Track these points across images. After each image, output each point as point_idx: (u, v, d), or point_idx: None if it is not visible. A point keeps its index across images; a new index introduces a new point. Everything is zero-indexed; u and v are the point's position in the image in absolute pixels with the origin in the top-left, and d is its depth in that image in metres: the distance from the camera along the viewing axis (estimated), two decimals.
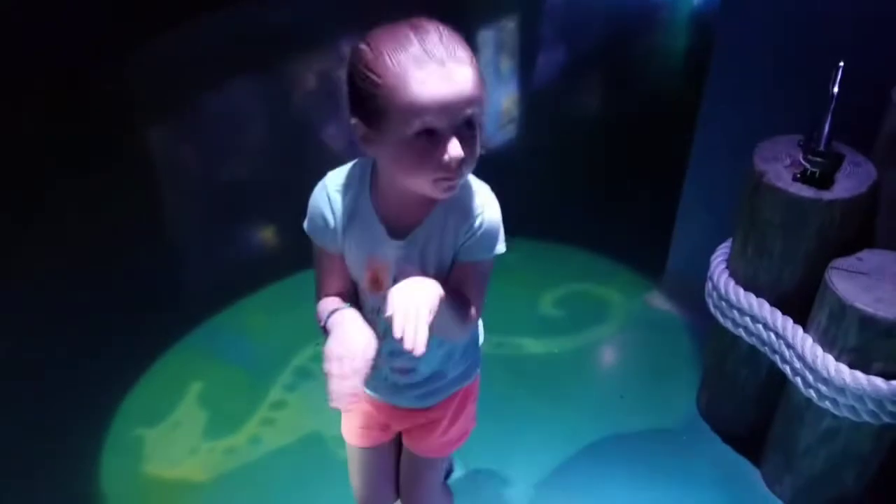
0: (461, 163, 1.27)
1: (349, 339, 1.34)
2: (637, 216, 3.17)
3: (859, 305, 1.82)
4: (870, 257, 1.95)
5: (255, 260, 3.28)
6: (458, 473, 2.29)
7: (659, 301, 2.88)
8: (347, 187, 1.42)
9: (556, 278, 2.99)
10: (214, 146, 4.02)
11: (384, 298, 1.32)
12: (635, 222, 3.14)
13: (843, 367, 1.88)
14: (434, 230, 1.40)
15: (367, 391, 1.66)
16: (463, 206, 1.39)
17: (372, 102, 1.26)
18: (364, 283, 1.48)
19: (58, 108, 4.17)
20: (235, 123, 4.19)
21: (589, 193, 3.42)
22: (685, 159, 2.66)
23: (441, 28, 1.26)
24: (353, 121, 1.31)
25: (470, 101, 1.25)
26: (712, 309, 2.22)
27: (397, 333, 1.20)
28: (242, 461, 2.36)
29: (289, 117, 4.38)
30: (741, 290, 2.12)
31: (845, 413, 1.92)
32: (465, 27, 1.30)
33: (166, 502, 2.26)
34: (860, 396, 1.87)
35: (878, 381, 1.85)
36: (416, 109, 1.22)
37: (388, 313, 1.22)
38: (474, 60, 1.26)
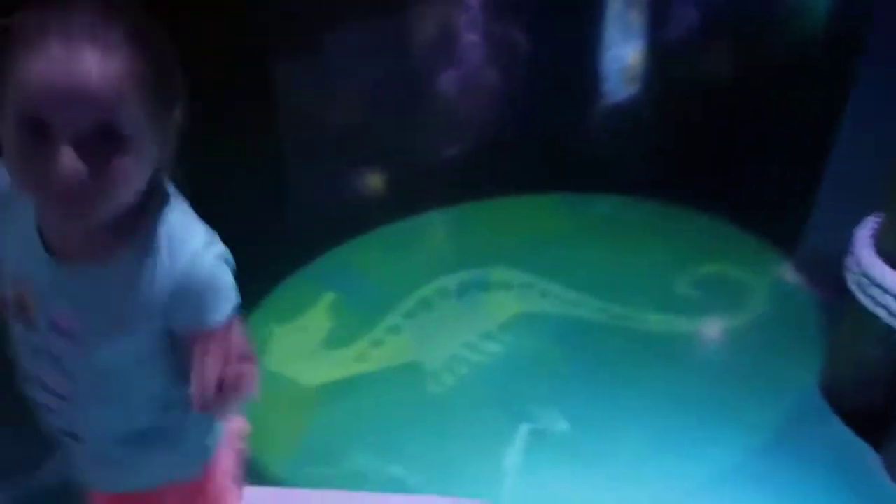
0: (80, 184, 0.91)
1: None
2: (772, 183, 3.06)
3: None
4: None
5: (363, 202, 3.37)
6: (565, 428, 2.29)
7: (789, 273, 2.79)
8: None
9: (681, 245, 2.91)
10: (331, 89, 4.06)
11: (33, 333, 1.06)
12: (769, 190, 3.03)
13: None
14: (120, 280, 1.03)
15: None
16: (168, 254, 1.03)
17: None
18: (9, 303, 1.11)
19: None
20: (351, 68, 4.23)
21: (720, 157, 3.31)
22: (830, 126, 2.54)
23: None
24: None
25: (101, 100, 0.90)
26: (850, 285, 2.13)
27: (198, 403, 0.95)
28: (345, 374, 2.51)
29: (403, 63, 4.39)
30: (886, 268, 2.01)
31: None
32: None
33: (273, 395, 2.39)
34: None
35: None
36: (23, 89, 0.90)
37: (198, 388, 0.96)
38: (140, 47, 0.93)
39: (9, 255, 1.08)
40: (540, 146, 3.46)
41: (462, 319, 2.64)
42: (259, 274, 2.77)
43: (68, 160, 0.90)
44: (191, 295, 1.05)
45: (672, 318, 2.64)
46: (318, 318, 2.69)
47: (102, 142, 0.92)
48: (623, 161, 3.38)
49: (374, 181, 3.53)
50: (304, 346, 2.60)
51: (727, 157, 3.30)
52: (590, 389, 2.40)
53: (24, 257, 1.06)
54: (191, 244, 1.05)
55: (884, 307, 2.04)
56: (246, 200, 3.10)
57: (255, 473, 2.16)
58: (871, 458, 2.21)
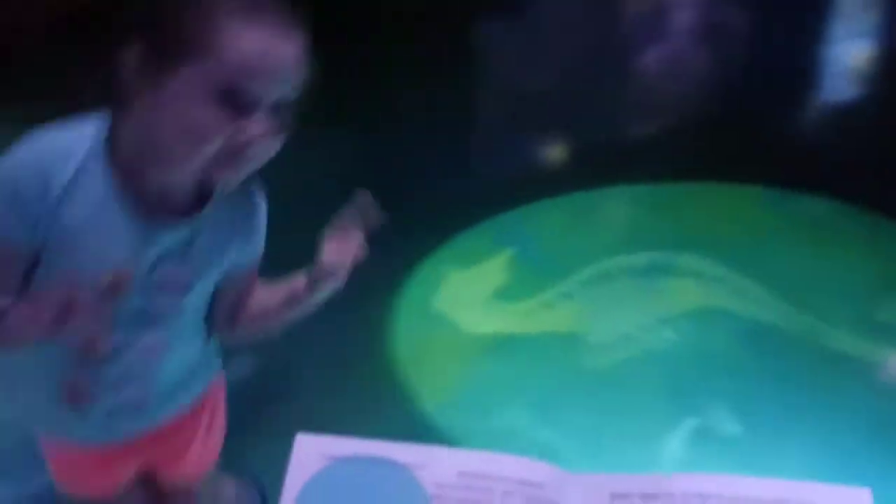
0: (258, 150, 1.05)
1: None
2: None
3: None
4: None
5: (554, 167, 3.35)
6: (734, 430, 2.18)
7: None
8: (69, 153, 1.06)
9: (892, 267, 2.68)
10: (521, 56, 4.01)
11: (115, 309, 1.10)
12: None
13: None
14: (212, 230, 1.16)
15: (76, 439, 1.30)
16: (246, 207, 1.21)
17: (178, 28, 1.02)
18: (95, 291, 1.06)
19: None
20: (557, 35, 4.15)
21: None
22: None
23: None
24: (134, 46, 1.03)
25: (295, 75, 1.05)
26: None
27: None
28: (510, 329, 2.50)
29: (612, 35, 4.27)
30: None
31: None
32: None
33: (437, 337, 2.47)
34: None
35: None
36: (230, 63, 1.00)
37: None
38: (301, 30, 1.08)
39: (89, 245, 1.09)
40: (745, 135, 3.29)
41: (641, 300, 2.56)
42: (443, 220, 2.82)
43: (264, 124, 1.02)
44: (253, 232, 1.22)
45: (867, 342, 2.44)
46: (493, 270, 2.69)
47: (280, 112, 1.05)
48: (837, 163, 3.14)
49: (566, 148, 3.48)
50: (474, 294, 2.62)
51: None
52: (767, 396, 2.27)
53: (116, 237, 1.09)
54: (249, 187, 1.20)
55: None
56: (442, 151, 3.14)
57: (408, 415, 2.19)
58: None
